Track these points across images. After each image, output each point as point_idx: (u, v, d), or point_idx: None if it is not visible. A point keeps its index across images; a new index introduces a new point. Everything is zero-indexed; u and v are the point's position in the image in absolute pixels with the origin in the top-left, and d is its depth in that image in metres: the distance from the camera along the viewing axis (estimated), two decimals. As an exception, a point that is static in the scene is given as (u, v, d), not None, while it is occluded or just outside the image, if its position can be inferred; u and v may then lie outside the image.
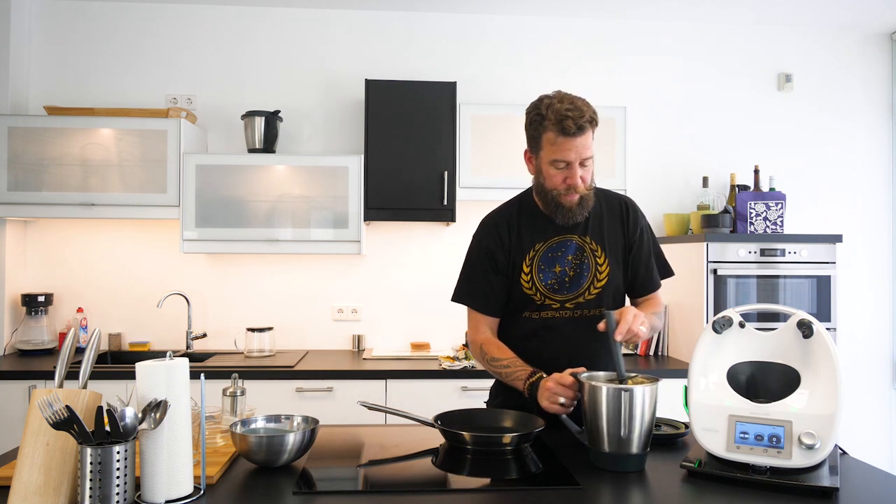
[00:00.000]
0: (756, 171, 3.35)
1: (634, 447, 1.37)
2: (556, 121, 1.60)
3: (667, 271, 1.86)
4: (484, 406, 1.91)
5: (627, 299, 1.84)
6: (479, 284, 1.76)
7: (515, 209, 1.80)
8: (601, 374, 1.51)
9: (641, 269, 1.79)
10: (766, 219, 3.13)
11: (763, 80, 3.65)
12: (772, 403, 1.35)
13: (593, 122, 1.62)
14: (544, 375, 1.59)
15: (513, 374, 1.66)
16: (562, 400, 1.50)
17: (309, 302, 3.45)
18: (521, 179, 3.10)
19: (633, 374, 1.47)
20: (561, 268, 1.71)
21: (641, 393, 1.37)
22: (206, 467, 1.31)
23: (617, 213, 1.78)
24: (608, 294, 1.74)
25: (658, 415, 1.51)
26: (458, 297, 1.80)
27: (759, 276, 3.02)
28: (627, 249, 1.78)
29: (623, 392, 1.36)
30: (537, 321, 1.73)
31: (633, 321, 1.51)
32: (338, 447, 1.59)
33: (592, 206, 1.73)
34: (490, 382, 1.97)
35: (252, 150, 3.23)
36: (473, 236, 1.83)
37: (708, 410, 1.38)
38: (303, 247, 3.11)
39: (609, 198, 1.81)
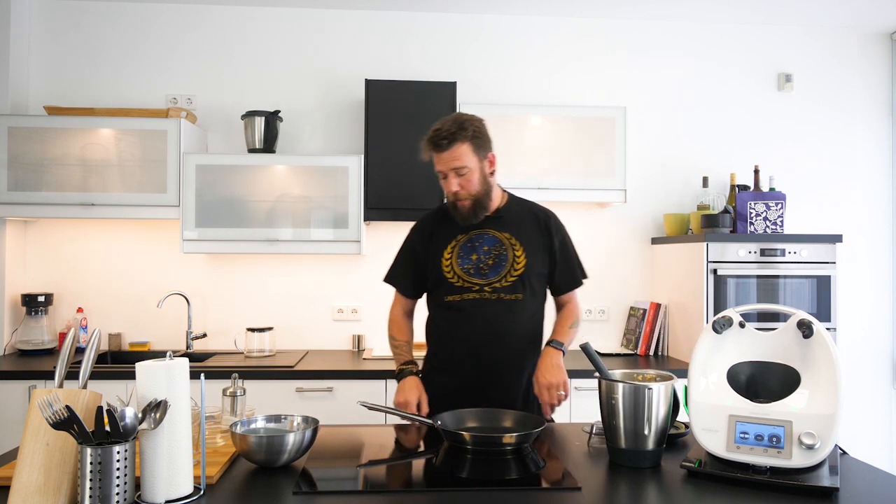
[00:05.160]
0: (756, 171, 3.35)
1: (650, 443, 1.40)
2: (428, 140, 1.90)
3: (583, 274, 2.11)
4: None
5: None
6: (399, 269, 2.13)
7: (444, 210, 2.06)
8: (617, 372, 1.55)
9: (562, 271, 2.05)
10: (766, 219, 3.13)
11: (763, 80, 3.65)
12: (772, 403, 1.35)
13: (459, 135, 1.86)
14: (415, 371, 1.99)
15: (396, 355, 2.08)
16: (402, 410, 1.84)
17: (309, 302, 3.45)
18: (520, 179, 3.13)
19: (647, 372, 1.52)
20: (478, 256, 1.97)
21: (657, 390, 1.40)
22: (206, 467, 1.31)
23: (540, 219, 2.04)
24: (527, 280, 1.96)
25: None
26: (386, 277, 2.16)
27: (759, 276, 3.02)
28: (549, 252, 2.02)
29: (639, 389, 1.40)
30: (459, 302, 1.96)
31: (548, 393, 1.85)
32: (338, 447, 1.59)
33: (514, 211, 2.02)
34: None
35: (252, 150, 3.23)
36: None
37: (708, 410, 1.38)
38: (303, 247, 3.10)
39: (533, 207, 2.08)
